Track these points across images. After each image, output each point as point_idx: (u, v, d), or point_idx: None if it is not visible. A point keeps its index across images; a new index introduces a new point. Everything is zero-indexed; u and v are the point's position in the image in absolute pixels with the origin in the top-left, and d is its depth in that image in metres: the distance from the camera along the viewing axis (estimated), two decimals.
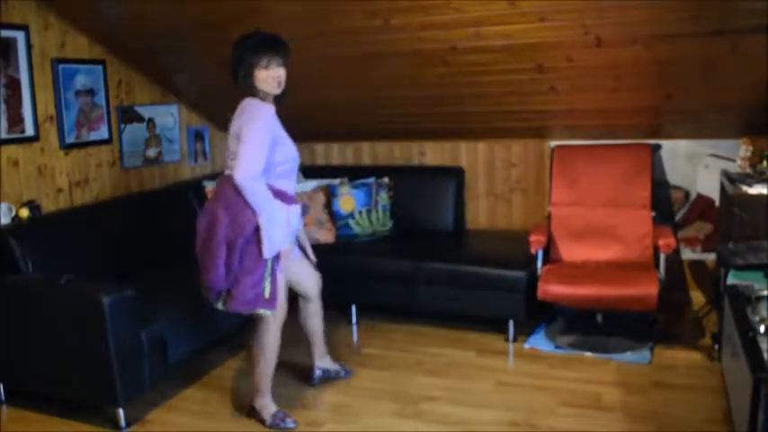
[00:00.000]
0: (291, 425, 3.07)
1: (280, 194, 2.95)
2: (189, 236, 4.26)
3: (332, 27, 3.53)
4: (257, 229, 2.84)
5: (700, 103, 3.76)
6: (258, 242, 2.85)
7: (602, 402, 3.18)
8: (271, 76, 2.88)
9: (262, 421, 3.10)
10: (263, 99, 2.93)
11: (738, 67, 3.33)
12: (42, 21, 3.76)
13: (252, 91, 2.92)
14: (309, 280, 3.31)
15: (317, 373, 3.50)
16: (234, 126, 2.92)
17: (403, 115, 4.51)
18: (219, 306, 2.96)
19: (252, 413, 3.16)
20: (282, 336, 3.11)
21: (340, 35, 3.60)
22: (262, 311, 2.97)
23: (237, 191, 2.83)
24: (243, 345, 4.00)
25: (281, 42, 2.91)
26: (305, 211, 3.27)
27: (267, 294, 2.91)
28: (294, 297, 3.29)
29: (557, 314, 4.23)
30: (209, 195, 4.40)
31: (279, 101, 3.00)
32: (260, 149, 2.83)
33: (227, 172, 2.96)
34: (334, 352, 3.79)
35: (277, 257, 2.93)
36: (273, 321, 3.04)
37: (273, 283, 2.92)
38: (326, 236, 4.47)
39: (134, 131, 4.41)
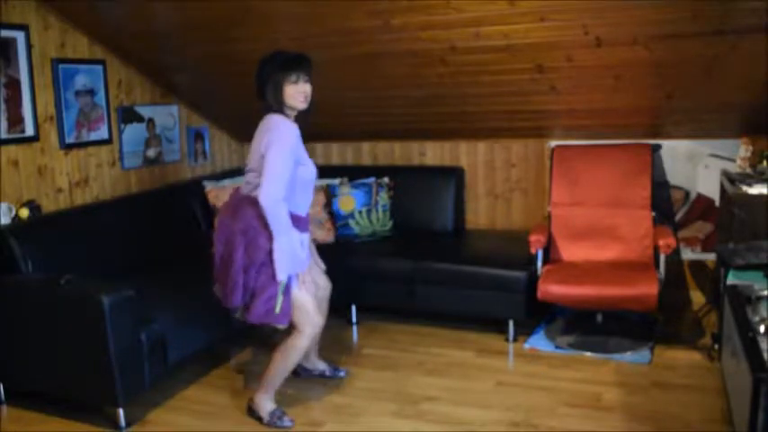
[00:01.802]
0: (288, 423, 3.07)
1: (295, 219, 2.99)
2: (188, 236, 4.34)
3: (332, 27, 3.53)
4: (270, 252, 2.91)
5: (700, 103, 3.76)
6: (272, 263, 2.91)
7: (602, 402, 3.18)
8: (299, 91, 2.98)
9: (259, 419, 3.10)
10: (287, 116, 3.00)
11: (738, 67, 3.33)
12: (42, 21, 3.76)
13: (278, 107, 2.97)
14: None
15: (300, 371, 3.54)
16: (258, 142, 2.96)
17: (403, 115, 4.51)
18: (238, 316, 3.07)
19: (250, 409, 3.16)
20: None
21: (340, 35, 3.60)
22: (276, 325, 3.03)
23: (256, 212, 2.90)
24: (244, 344, 4.01)
25: (308, 59, 3.02)
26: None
27: (278, 310, 2.95)
28: None
29: (557, 314, 4.23)
30: (210, 196, 4.42)
31: (302, 116, 3.08)
32: (285, 172, 2.89)
33: (244, 189, 3.03)
34: (334, 352, 3.79)
35: (295, 276, 3.00)
36: (306, 334, 3.06)
37: (287, 300, 2.97)
38: (326, 236, 4.47)
39: (134, 131, 4.41)
